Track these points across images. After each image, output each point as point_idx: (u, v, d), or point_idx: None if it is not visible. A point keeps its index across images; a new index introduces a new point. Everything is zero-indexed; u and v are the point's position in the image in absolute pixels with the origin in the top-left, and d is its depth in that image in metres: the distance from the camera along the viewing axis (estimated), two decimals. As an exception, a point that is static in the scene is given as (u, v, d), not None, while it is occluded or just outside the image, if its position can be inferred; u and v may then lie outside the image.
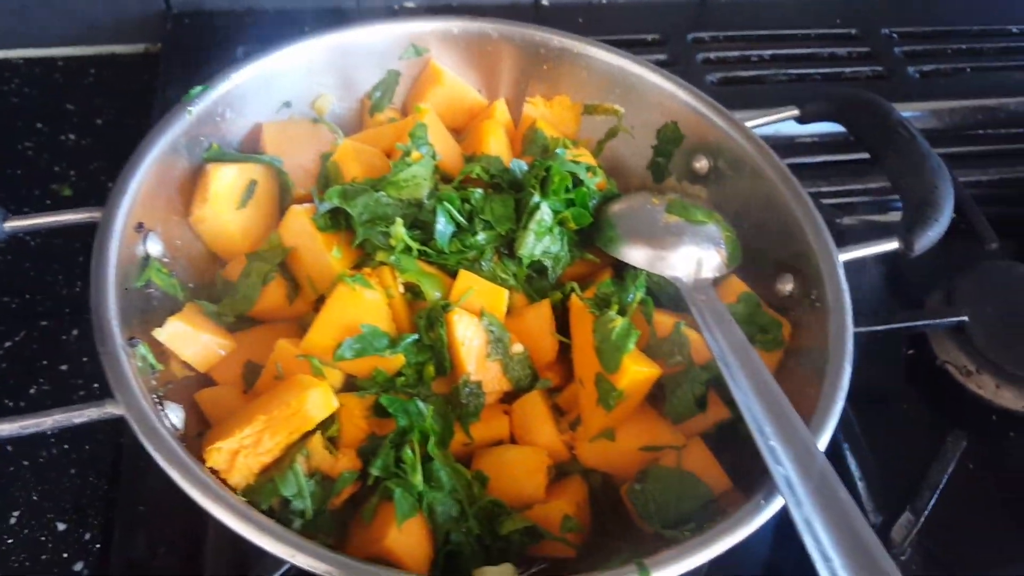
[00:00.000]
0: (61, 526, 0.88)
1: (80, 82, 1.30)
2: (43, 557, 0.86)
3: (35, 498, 0.89)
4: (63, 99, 1.27)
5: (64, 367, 1.00)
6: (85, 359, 1.00)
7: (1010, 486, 0.97)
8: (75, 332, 1.03)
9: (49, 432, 0.70)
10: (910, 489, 0.89)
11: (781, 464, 0.65)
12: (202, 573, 0.82)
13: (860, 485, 0.91)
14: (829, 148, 1.21)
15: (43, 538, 0.87)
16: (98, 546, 0.87)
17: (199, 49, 1.25)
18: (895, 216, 1.18)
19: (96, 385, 0.98)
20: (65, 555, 0.86)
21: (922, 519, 0.86)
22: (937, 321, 1.01)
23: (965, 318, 1.01)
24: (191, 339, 0.79)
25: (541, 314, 0.84)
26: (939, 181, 0.84)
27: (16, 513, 0.88)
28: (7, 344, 1.01)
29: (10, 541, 0.86)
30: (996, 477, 0.97)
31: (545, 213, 0.84)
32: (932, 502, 0.87)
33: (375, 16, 1.31)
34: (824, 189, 1.19)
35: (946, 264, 1.04)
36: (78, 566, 0.85)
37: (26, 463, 0.91)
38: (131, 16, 1.31)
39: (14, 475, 0.91)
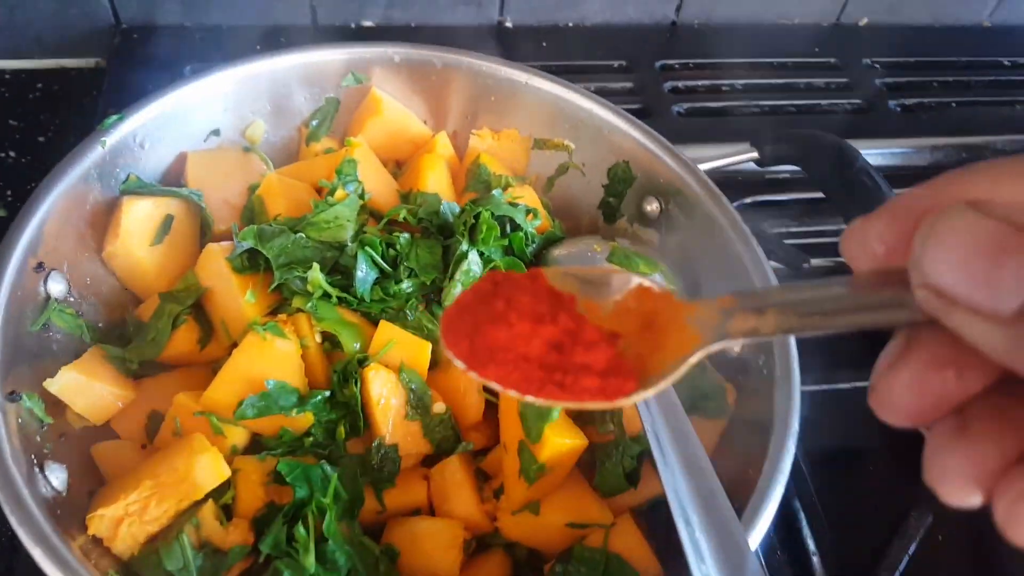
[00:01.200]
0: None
1: (26, 96, 1.25)
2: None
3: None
4: (7, 114, 1.22)
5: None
6: None
7: (982, 559, 0.90)
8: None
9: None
10: (870, 567, 0.83)
11: (704, 562, 0.59)
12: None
13: (814, 560, 0.84)
14: (800, 185, 1.15)
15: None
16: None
17: (146, 65, 1.19)
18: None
19: None
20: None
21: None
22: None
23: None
24: (85, 390, 0.74)
25: (468, 370, 0.78)
26: (902, 237, 0.78)
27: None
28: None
29: None
30: (967, 549, 0.90)
31: (474, 263, 0.78)
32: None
33: (331, 34, 1.26)
34: (793, 229, 1.13)
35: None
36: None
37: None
38: (80, 30, 1.26)
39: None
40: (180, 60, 1.19)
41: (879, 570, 0.82)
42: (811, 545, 0.86)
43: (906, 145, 1.22)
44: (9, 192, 1.14)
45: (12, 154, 1.18)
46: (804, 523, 0.87)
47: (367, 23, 1.27)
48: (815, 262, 1.09)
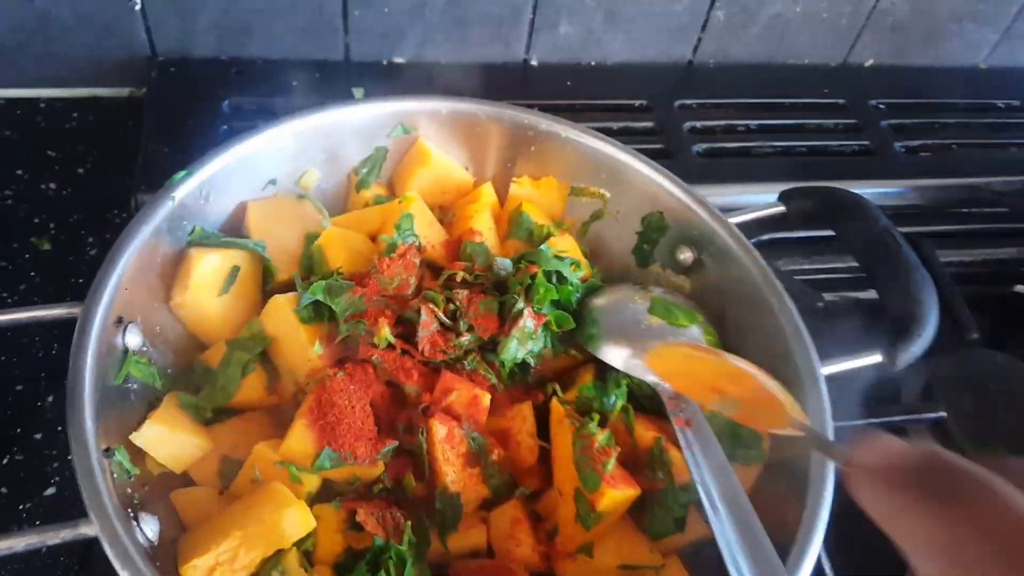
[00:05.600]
0: (33, 611, 0.87)
1: (62, 126, 1.28)
2: (10, 645, 0.85)
3: (3, 576, 0.89)
4: (45, 144, 1.25)
5: (38, 435, 0.98)
6: (60, 428, 0.99)
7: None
8: (51, 399, 1.01)
9: (22, 550, 0.68)
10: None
11: (756, 606, 0.65)
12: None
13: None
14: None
15: (12, 625, 0.86)
16: (70, 633, 0.86)
17: (184, 100, 1.23)
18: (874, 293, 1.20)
19: (71, 457, 0.97)
20: (35, 643, 0.85)
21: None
22: (916, 417, 1.02)
23: (943, 414, 1.01)
24: (168, 441, 0.78)
25: (523, 417, 0.84)
26: (924, 296, 0.84)
27: (-17, 601, 0.87)
28: (-20, 410, 0.99)
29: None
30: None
31: (528, 321, 0.83)
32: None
33: (363, 70, 1.30)
34: (805, 266, 1.20)
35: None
36: (48, 652, 0.84)
37: (-4, 541, 0.90)
38: (115, 59, 1.28)
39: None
40: (218, 94, 1.23)
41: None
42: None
43: (909, 185, 1.30)
44: (52, 225, 1.17)
45: (52, 186, 1.21)
46: (823, 558, 0.94)
47: (398, 60, 1.31)
48: (827, 297, 1.17)
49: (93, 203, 1.19)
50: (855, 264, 1.19)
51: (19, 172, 1.21)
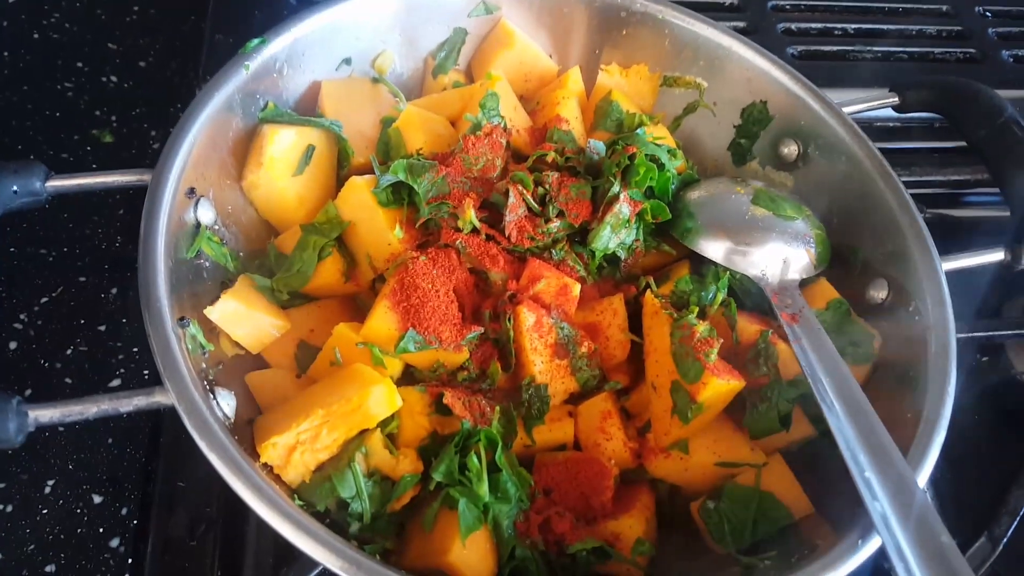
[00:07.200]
0: (97, 499, 0.84)
1: (123, 19, 1.23)
2: (79, 531, 0.82)
3: (71, 467, 0.86)
4: (105, 37, 1.21)
5: (102, 327, 0.95)
6: (124, 320, 0.96)
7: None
8: (114, 290, 0.98)
9: (92, 418, 0.65)
10: (986, 511, 0.85)
11: (877, 499, 0.60)
12: (244, 553, 0.79)
13: (932, 505, 0.86)
14: (903, 134, 1.14)
15: (79, 511, 0.83)
16: (135, 522, 0.83)
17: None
18: (971, 212, 1.12)
19: (135, 349, 0.94)
20: (101, 530, 0.82)
21: (1000, 547, 0.82)
22: (1021, 332, 0.95)
23: (1053, 330, 0.95)
24: (244, 318, 0.75)
25: (614, 310, 0.78)
26: (1056, 189, 0.77)
27: (51, 482, 0.84)
28: (44, 300, 0.96)
29: (44, 511, 0.83)
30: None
31: (624, 206, 0.77)
32: (1011, 529, 0.82)
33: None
34: (904, 178, 1.11)
35: None
36: (114, 542, 0.82)
37: (61, 428, 0.87)
38: (177, -50, 1.23)
39: (50, 440, 0.87)
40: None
41: (1001, 515, 0.83)
42: (929, 490, 0.87)
43: (1018, 97, 1.19)
44: (114, 118, 1.13)
45: (114, 79, 1.17)
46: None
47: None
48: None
49: (155, 97, 1.15)
50: (954, 178, 1.13)
51: (79, 64, 1.17)
